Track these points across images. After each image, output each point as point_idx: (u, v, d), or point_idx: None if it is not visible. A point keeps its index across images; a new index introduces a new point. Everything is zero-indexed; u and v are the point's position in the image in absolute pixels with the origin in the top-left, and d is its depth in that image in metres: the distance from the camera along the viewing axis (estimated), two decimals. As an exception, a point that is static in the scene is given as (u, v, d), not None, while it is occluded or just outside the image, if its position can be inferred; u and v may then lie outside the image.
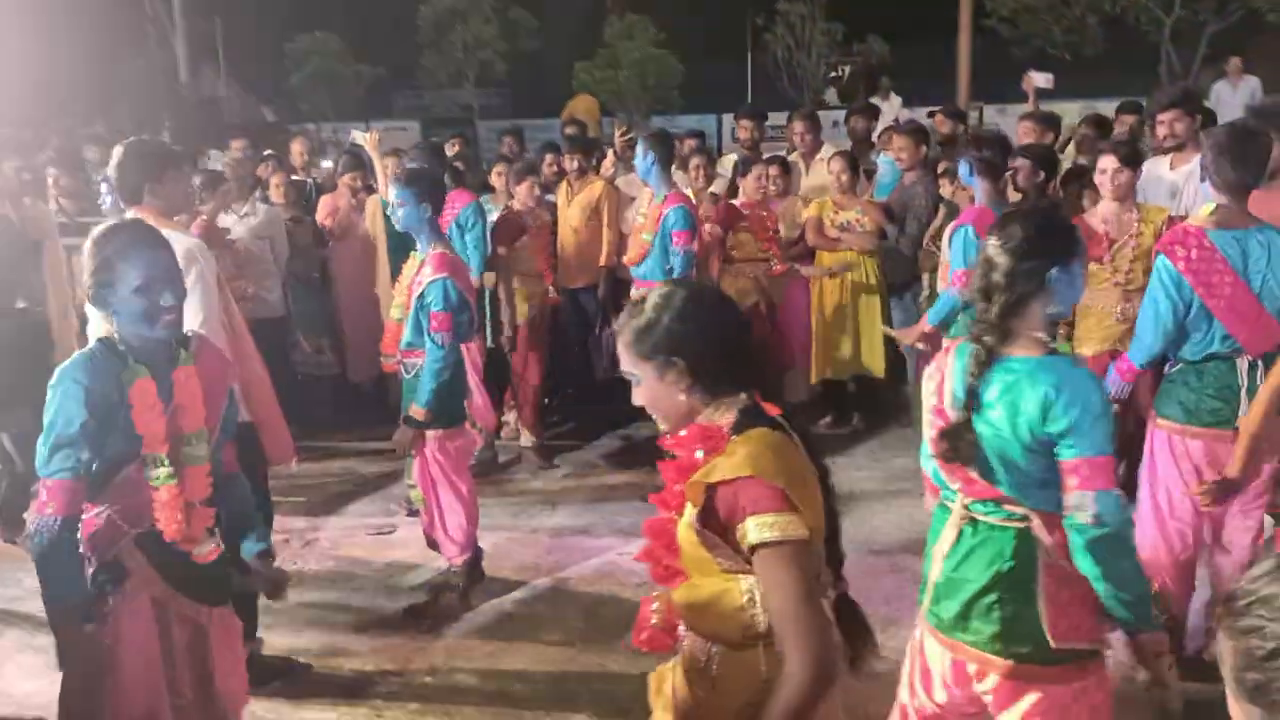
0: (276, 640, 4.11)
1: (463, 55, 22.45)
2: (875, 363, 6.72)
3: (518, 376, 6.48)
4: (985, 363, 2.36)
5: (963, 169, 5.22)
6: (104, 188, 5.89)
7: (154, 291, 2.53)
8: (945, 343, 2.75)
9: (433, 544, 4.65)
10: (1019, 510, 2.37)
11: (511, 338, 6.35)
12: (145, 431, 2.54)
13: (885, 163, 7.27)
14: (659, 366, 1.99)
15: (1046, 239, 2.40)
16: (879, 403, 6.89)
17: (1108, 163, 4.59)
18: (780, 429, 1.98)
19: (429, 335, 4.26)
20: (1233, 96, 12.76)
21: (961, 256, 4.91)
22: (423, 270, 4.33)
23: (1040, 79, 8.32)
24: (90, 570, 2.57)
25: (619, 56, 21.10)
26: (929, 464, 2.53)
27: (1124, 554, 2.30)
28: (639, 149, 5.94)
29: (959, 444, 2.37)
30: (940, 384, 2.49)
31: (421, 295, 4.27)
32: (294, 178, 7.68)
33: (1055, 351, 2.41)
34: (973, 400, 2.36)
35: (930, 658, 2.58)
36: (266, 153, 8.64)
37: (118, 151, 3.65)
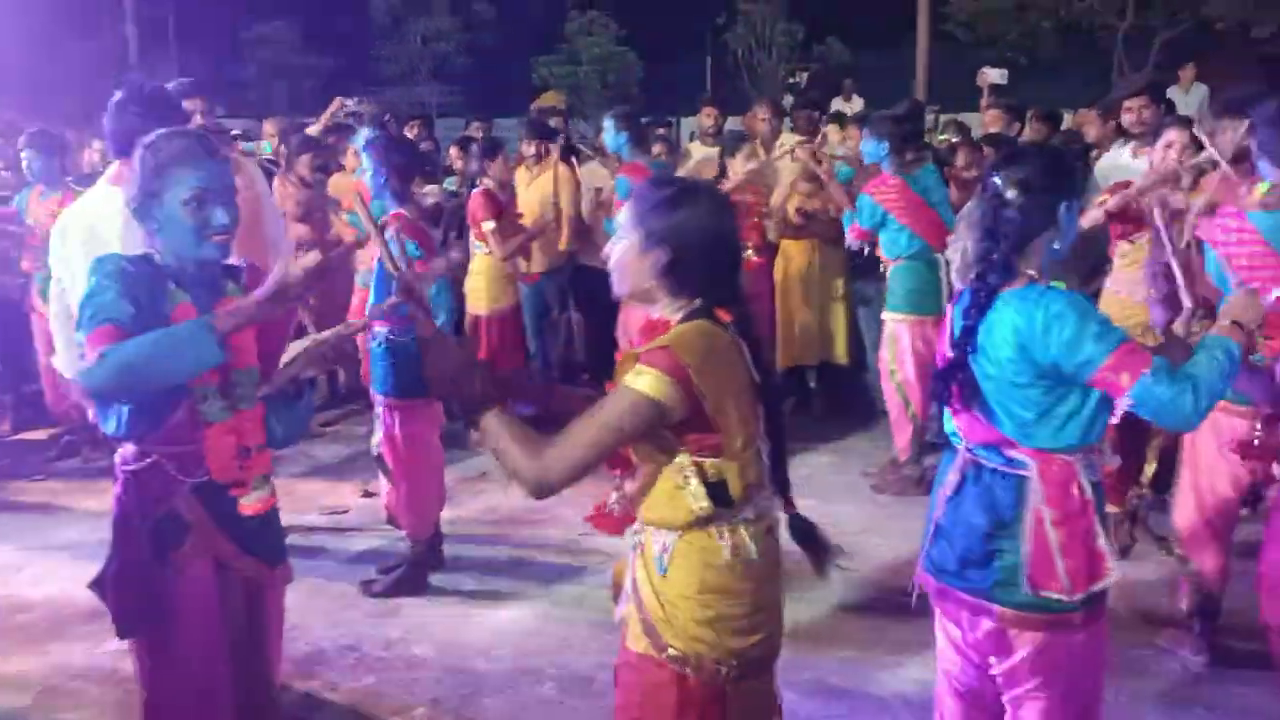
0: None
1: (420, 47, 22.26)
2: (839, 349, 6.70)
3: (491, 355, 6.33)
4: (985, 303, 2.31)
5: (874, 145, 5.42)
6: (26, 154, 5.73)
7: (206, 206, 2.30)
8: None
9: (392, 520, 4.54)
10: (1019, 456, 2.32)
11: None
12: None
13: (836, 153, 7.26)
14: (646, 244, 2.05)
15: (1056, 173, 2.38)
16: (841, 389, 6.86)
17: None
18: (724, 329, 2.05)
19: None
20: (1184, 102, 12.96)
21: (867, 217, 5.40)
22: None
23: (994, 74, 8.41)
24: (145, 524, 2.34)
25: (579, 52, 21.03)
26: (942, 414, 2.51)
27: (1210, 391, 2.20)
28: (608, 126, 6.18)
29: (950, 385, 2.35)
30: (946, 326, 2.47)
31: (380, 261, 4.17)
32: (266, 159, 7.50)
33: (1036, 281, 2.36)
34: (967, 341, 2.32)
35: (942, 613, 2.55)
36: (234, 132, 8.42)
37: (117, 94, 3.45)
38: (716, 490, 2.04)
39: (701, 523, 2.05)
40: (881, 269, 5.63)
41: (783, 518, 2.21)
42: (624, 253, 2.09)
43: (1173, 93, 13.55)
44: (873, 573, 4.48)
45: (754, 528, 2.10)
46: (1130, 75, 18.72)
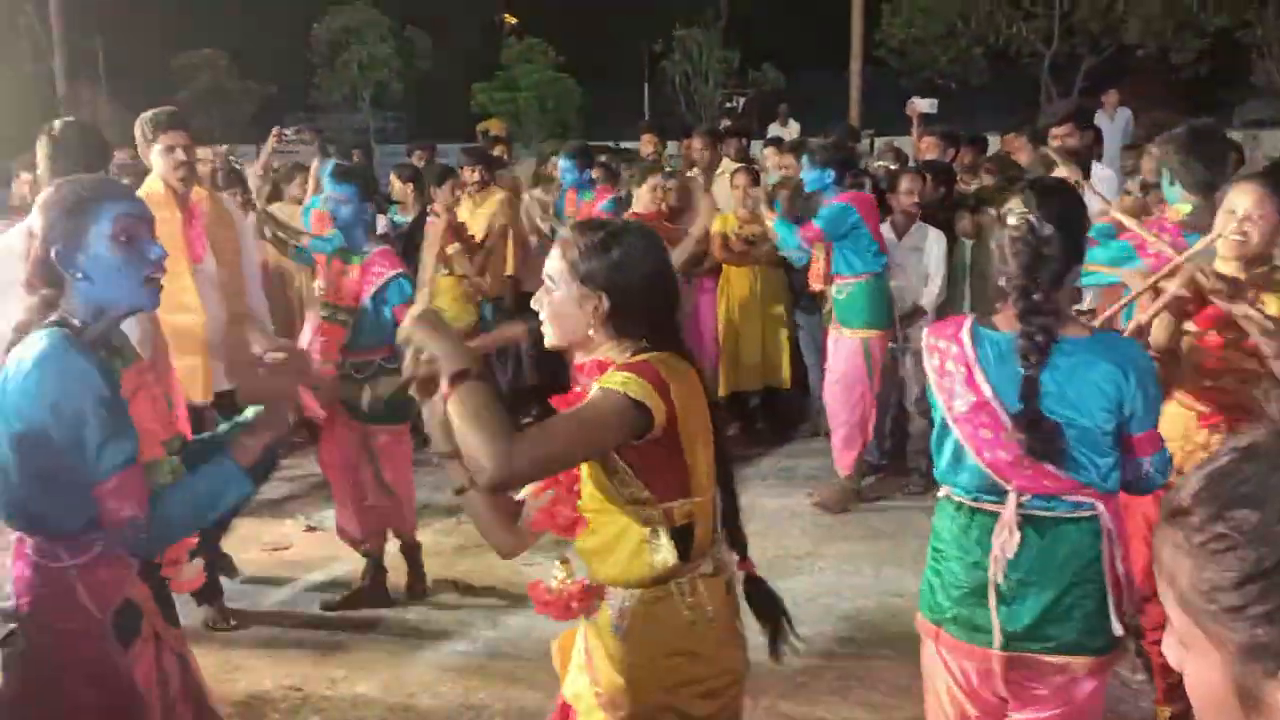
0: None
1: (358, 74, 22.14)
2: (782, 374, 6.76)
3: None
4: (1045, 348, 2.19)
5: (817, 173, 5.50)
6: None
7: (139, 242, 2.05)
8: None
9: (355, 542, 4.55)
10: (1085, 499, 2.25)
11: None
12: (150, 427, 2.07)
13: (774, 181, 7.36)
14: (584, 292, 1.95)
15: (1082, 209, 2.33)
16: (784, 414, 6.92)
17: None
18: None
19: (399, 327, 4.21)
20: (1109, 127, 13.33)
21: (836, 223, 5.35)
22: (371, 269, 4.26)
23: (923, 104, 8.53)
24: (105, 622, 2.08)
25: (518, 79, 21.07)
26: (959, 470, 2.33)
27: None
28: (565, 165, 6.46)
29: (1044, 438, 2.19)
30: (970, 377, 2.28)
31: (379, 293, 4.24)
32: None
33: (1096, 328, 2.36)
34: (1034, 390, 2.20)
35: (963, 674, 2.39)
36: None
37: (58, 125, 3.46)
38: (682, 536, 1.93)
39: (661, 579, 1.94)
40: (826, 289, 5.70)
41: (740, 575, 2.13)
42: (560, 304, 1.98)
43: (1098, 117, 13.96)
44: (818, 597, 4.51)
45: (712, 582, 2.01)
46: (1057, 101, 19.28)
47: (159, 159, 4.03)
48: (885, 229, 5.72)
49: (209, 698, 2.48)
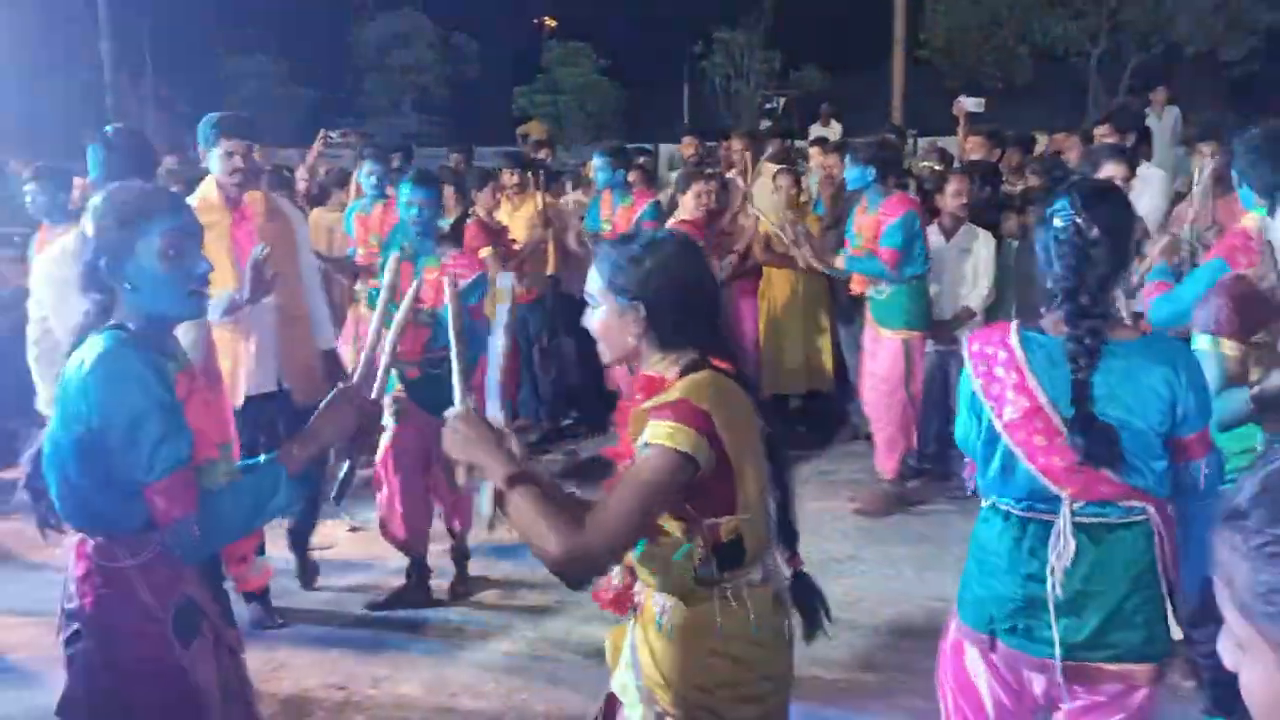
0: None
1: (403, 79, 22.39)
2: (825, 376, 6.72)
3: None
4: (1095, 352, 2.17)
5: (859, 171, 5.50)
6: (30, 189, 5.54)
7: (185, 257, 2.09)
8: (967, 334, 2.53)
9: (402, 543, 4.56)
10: (1137, 503, 2.23)
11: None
12: (204, 426, 2.10)
13: (813, 182, 7.33)
14: (622, 304, 1.98)
15: (1132, 210, 2.32)
16: (825, 416, 6.88)
17: None
18: (728, 378, 1.98)
19: (473, 323, 4.26)
20: (1158, 125, 13.13)
21: (909, 233, 5.35)
22: (452, 271, 4.30)
23: (971, 103, 8.42)
24: (166, 618, 2.12)
25: (559, 82, 21.19)
26: (1008, 480, 2.29)
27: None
28: (600, 163, 6.50)
29: (1100, 442, 2.16)
30: (1022, 382, 2.25)
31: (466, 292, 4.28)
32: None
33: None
34: (1086, 394, 2.17)
35: (1012, 681, 2.34)
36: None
37: (111, 131, 3.57)
38: (730, 551, 1.94)
39: (705, 585, 1.96)
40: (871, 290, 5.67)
41: (787, 572, 2.13)
42: (603, 319, 2.02)
43: (1147, 116, 13.73)
44: (860, 600, 4.48)
45: (759, 591, 2.02)
46: (1103, 100, 19.02)
47: (217, 161, 4.09)
48: (933, 230, 5.69)
49: (255, 697, 2.52)
